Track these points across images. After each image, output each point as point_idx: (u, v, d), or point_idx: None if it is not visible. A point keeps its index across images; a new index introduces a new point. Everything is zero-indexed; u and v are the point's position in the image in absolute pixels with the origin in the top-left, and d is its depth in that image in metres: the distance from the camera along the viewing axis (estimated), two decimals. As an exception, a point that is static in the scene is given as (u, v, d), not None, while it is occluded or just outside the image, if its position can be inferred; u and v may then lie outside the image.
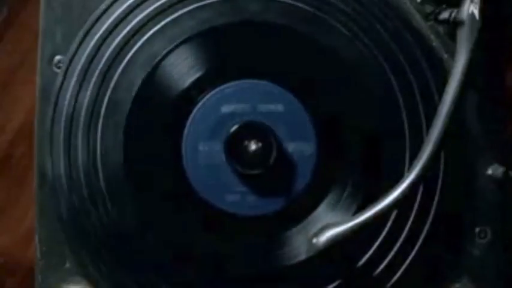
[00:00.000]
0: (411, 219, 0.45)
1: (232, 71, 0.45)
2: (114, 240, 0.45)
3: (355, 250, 0.45)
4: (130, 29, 0.45)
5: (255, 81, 0.45)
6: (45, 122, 0.46)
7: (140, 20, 0.45)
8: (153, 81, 0.45)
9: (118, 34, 0.45)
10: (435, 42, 0.46)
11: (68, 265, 0.46)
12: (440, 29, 0.46)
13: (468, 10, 0.42)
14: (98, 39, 0.45)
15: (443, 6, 0.45)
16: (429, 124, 0.42)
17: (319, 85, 0.45)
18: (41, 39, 0.46)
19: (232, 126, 0.44)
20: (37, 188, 0.46)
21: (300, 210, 0.45)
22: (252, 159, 0.43)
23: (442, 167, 0.45)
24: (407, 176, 0.41)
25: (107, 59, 0.45)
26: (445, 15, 0.45)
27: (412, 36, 0.45)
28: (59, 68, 0.46)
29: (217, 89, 0.45)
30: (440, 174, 0.45)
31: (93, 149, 0.45)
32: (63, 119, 0.45)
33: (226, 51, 0.45)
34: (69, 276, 0.46)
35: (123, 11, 0.45)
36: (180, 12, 0.45)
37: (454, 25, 0.43)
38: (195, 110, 0.45)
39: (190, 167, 0.45)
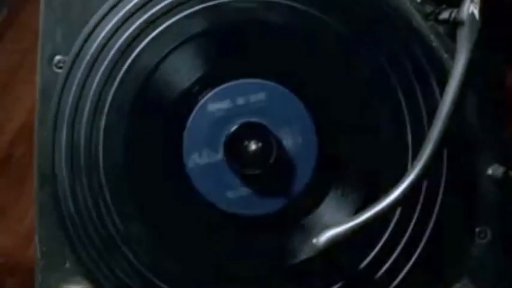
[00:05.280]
0: (413, 221, 0.45)
1: (232, 71, 0.45)
2: (114, 241, 0.45)
3: (357, 252, 0.45)
4: (133, 31, 0.45)
5: (255, 80, 0.45)
6: (45, 122, 0.46)
7: (142, 22, 0.45)
8: (154, 82, 0.45)
9: (120, 35, 0.45)
10: (435, 42, 0.46)
11: (68, 265, 0.46)
12: (440, 29, 0.46)
13: (468, 10, 0.42)
14: (100, 41, 0.45)
15: (443, 6, 0.45)
16: (430, 124, 0.42)
17: (320, 85, 0.45)
18: (41, 39, 0.46)
19: (232, 126, 0.44)
20: (37, 188, 0.46)
21: (300, 210, 0.45)
22: (252, 159, 0.43)
23: (443, 167, 0.45)
24: (407, 176, 0.41)
25: (110, 60, 0.45)
26: (445, 15, 0.45)
27: (412, 36, 0.45)
28: (59, 68, 0.46)
29: (217, 89, 0.45)
30: (443, 175, 0.45)
31: (95, 149, 0.45)
32: (65, 118, 0.45)
33: (226, 51, 0.45)
34: (69, 276, 0.46)
35: (126, 12, 0.45)
36: (182, 14, 0.45)
37: (454, 25, 0.43)
38: (195, 110, 0.45)
39: (190, 166, 0.45)
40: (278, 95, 0.45)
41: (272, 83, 0.45)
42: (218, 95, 0.45)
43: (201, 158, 0.45)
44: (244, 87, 0.45)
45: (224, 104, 0.45)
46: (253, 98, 0.45)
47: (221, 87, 0.45)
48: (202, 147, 0.44)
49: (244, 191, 0.45)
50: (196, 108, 0.45)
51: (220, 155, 0.44)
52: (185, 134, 0.45)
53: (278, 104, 0.45)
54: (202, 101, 0.45)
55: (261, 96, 0.45)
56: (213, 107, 0.45)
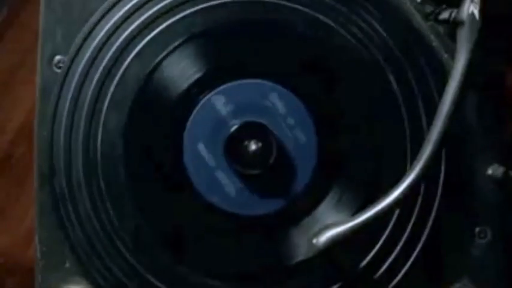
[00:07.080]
0: (412, 220, 0.45)
1: (231, 71, 0.45)
2: (113, 241, 0.45)
3: (356, 252, 0.45)
4: (132, 31, 0.45)
5: (255, 80, 0.45)
6: (45, 122, 0.46)
7: (142, 22, 0.45)
8: (153, 82, 0.45)
9: (120, 35, 0.45)
10: (435, 42, 0.46)
11: (68, 265, 0.46)
12: (440, 29, 0.46)
13: (468, 10, 0.42)
14: (99, 40, 0.45)
15: (443, 6, 0.45)
16: (429, 124, 0.42)
17: (320, 85, 0.45)
18: (41, 39, 0.46)
19: (232, 126, 0.44)
20: (37, 188, 0.46)
21: (300, 210, 0.45)
22: (252, 159, 0.43)
23: (442, 167, 0.45)
24: (407, 176, 0.41)
25: (108, 60, 0.45)
26: (445, 15, 0.45)
27: (412, 36, 0.45)
28: (59, 68, 0.46)
29: (216, 90, 0.45)
30: (442, 175, 0.45)
31: (94, 149, 0.45)
32: (63, 119, 0.45)
33: (226, 51, 0.45)
34: (69, 276, 0.46)
35: (125, 12, 0.45)
36: (181, 14, 0.45)
37: (454, 25, 0.43)
38: (195, 111, 0.45)
39: (190, 166, 0.45)
40: (278, 95, 0.45)
41: (272, 83, 0.45)
42: (217, 95, 0.45)
43: (201, 158, 0.45)
44: (243, 88, 0.45)
45: (222, 105, 0.45)
46: (252, 98, 0.45)
47: (221, 87, 0.45)
48: (202, 148, 0.45)
49: (244, 191, 0.45)
50: (196, 109, 0.45)
51: (220, 155, 0.44)
52: (185, 134, 0.45)
53: (278, 104, 0.45)
54: (201, 102, 0.45)
55: (260, 96, 0.45)
56: (211, 108, 0.45)
